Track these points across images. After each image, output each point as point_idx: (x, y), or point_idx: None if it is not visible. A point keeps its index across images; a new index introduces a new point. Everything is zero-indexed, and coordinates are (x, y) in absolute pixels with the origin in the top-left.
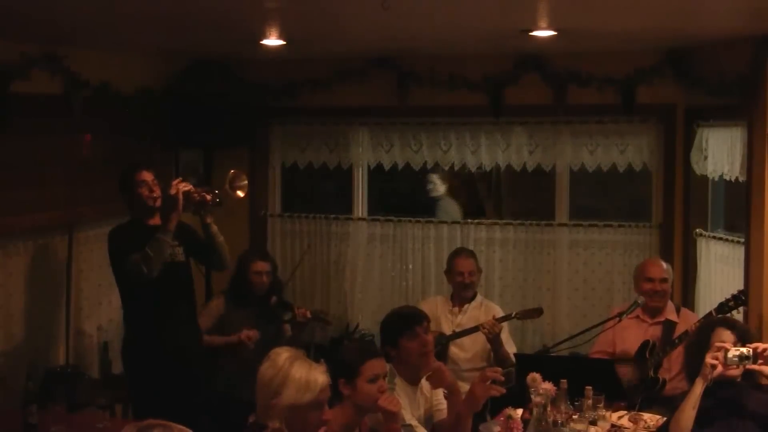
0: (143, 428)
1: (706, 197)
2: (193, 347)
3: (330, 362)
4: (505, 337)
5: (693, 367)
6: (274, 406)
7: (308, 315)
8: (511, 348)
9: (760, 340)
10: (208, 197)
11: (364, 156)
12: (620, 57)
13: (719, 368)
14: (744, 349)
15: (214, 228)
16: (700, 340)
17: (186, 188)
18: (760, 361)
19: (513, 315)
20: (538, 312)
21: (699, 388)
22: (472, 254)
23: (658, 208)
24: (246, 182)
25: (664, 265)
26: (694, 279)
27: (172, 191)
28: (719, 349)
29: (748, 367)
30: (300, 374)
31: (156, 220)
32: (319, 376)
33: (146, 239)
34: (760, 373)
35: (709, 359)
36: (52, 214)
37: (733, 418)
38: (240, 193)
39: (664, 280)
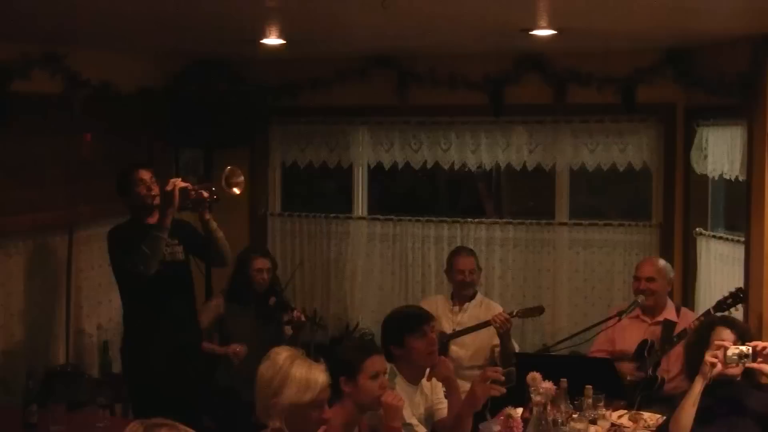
0: (150, 426)
1: (706, 196)
2: (193, 346)
3: (330, 361)
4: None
5: (693, 366)
6: (274, 406)
7: (303, 318)
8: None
9: (759, 339)
10: (205, 194)
11: (364, 155)
12: (620, 56)
13: (719, 367)
14: (743, 348)
15: (214, 224)
16: (700, 338)
17: (182, 185)
18: (759, 360)
19: (514, 313)
20: (539, 310)
21: (699, 386)
22: (471, 252)
23: (658, 208)
24: (242, 179)
25: (660, 264)
26: (694, 278)
27: (168, 188)
28: (719, 347)
29: (747, 365)
30: (300, 373)
31: (155, 219)
32: (319, 375)
33: (145, 238)
34: (760, 372)
35: (708, 357)
36: (52, 213)
37: (733, 417)
38: (236, 190)
39: (650, 279)
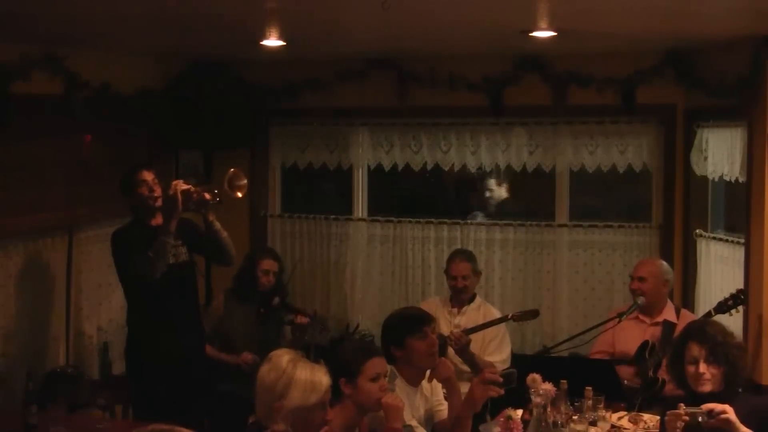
0: None
1: (706, 198)
2: (197, 348)
3: (330, 362)
4: (496, 342)
5: (676, 378)
6: (279, 409)
7: (305, 321)
8: (500, 354)
9: (757, 342)
10: (208, 196)
11: (364, 156)
12: (620, 57)
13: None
14: (697, 411)
15: (217, 224)
16: (676, 352)
17: (184, 188)
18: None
19: (509, 317)
20: (534, 314)
21: None
22: (468, 258)
23: (658, 209)
24: (245, 182)
25: (654, 264)
26: (694, 279)
27: (171, 192)
28: (675, 418)
29: (706, 425)
30: (305, 376)
31: (158, 220)
32: (322, 376)
33: (150, 240)
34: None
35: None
36: (52, 214)
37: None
38: (239, 194)
39: (641, 279)
